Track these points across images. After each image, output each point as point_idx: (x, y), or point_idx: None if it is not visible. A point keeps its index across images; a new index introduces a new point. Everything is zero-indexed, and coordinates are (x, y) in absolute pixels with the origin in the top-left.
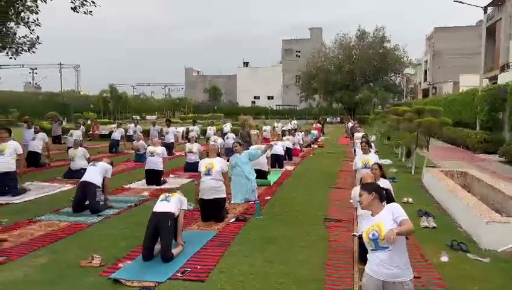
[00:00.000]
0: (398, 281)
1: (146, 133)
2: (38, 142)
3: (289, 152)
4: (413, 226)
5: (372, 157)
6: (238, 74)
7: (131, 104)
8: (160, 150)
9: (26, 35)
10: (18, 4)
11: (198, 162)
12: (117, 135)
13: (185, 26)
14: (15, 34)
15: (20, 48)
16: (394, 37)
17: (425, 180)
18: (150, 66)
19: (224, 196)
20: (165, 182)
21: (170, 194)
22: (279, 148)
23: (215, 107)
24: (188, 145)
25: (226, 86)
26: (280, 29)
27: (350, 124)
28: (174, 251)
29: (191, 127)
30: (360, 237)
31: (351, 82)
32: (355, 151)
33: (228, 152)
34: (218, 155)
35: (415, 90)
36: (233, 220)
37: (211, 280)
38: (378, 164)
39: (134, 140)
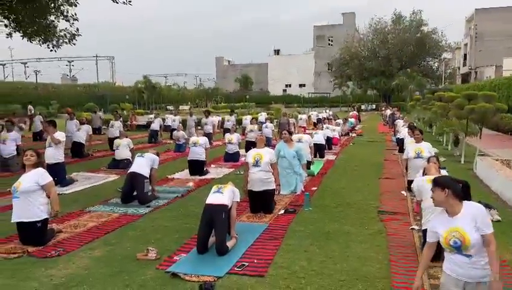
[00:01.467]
0: (481, 282)
1: (183, 123)
2: (82, 133)
3: (329, 141)
4: (496, 244)
5: (425, 147)
6: (269, 62)
7: (165, 95)
8: (203, 140)
9: (66, 28)
10: None
11: (237, 152)
12: (156, 125)
13: (214, 14)
14: (56, 27)
15: (60, 41)
16: (432, 20)
17: (478, 170)
18: (181, 56)
19: (273, 187)
20: (207, 172)
21: (223, 186)
22: (320, 137)
23: (247, 96)
24: (228, 136)
25: (257, 75)
26: (311, 15)
27: (388, 112)
28: (229, 244)
29: (227, 117)
30: (424, 232)
31: (386, 68)
32: (402, 140)
33: (268, 142)
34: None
35: (453, 75)
36: (282, 211)
37: (270, 275)
38: (436, 156)
39: (172, 130)
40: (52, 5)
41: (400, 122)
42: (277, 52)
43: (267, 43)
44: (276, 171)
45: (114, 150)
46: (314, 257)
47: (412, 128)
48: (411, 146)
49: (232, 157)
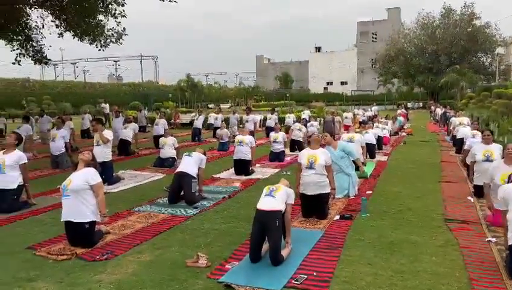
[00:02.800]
0: None
1: (226, 122)
2: (129, 132)
3: (379, 141)
4: None
5: (496, 149)
6: (310, 59)
7: (206, 93)
8: (249, 139)
9: (113, 27)
10: None
11: (283, 151)
12: (199, 123)
13: (254, 12)
14: (104, 26)
15: (108, 40)
16: (485, 14)
17: None
18: (221, 55)
19: (328, 191)
20: (253, 171)
21: (275, 188)
22: (370, 136)
23: (287, 94)
24: (273, 134)
25: (297, 73)
26: (353, 11)
27: (439, 110)
28: (283, 253)
29: (269, 115)
30: (510, 248)
31: (434, 64)
32: (460, 140)
33: None
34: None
35: (507, 71)
36: (337, 217)
37: None
38: None
39: (215, 128)
40: (101, 4)
41: (455, 120)
42: (318, 49)
43: (307, 40)
44: (331, 175)
45: (159, 148)
46: (380, 272)
47: (484, 130)
48: (479, 147)
49: (277, 157)
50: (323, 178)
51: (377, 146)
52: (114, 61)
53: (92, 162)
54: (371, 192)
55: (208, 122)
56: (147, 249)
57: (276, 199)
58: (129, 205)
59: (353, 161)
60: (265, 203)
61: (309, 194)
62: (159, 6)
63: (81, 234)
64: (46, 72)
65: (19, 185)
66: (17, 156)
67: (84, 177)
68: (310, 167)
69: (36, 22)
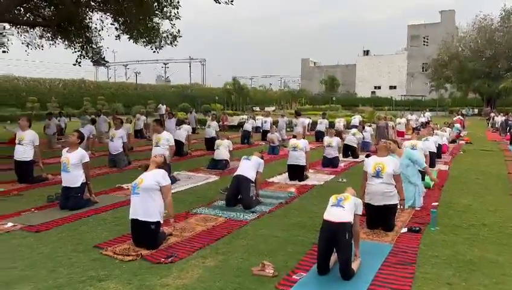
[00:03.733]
0: None
1: (274, 125)
2: (183, 133)
3: (439, 149)
4: None
5: None
6: (358, 63)
7: (252, 96)
8: (303, 144)
9: (168, 29)
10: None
11: (337, 157)
12: (249, 126)
13: (301, 14)
14: (159, 28)
15: (163, 42)
16: None
17: None
18: (267, 58)
19: (395, 202)
20: (307, 177)
21: (343, 197)
22: (431, 144)
23: (333, 98)
24: (327, 139)
25: (344, 76)
26: (400, 13)
27: (500, 118)
28: (353, 266)
29: (319, 120)
30: None
31: (492, 69)
32: None
33: (367, 148)
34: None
35: None
36: (404, 230)
37: None
38: None
39: (264, 131)
40: (157, 6)
41: None
42: (366, 52)
43: (355, 43)
44: (400, 184)
45: (214, 150)
46: None
47: None
48: None
49: (331, 162)
50: (391, 188)
51: (437, 154)
52: (164, 63)
53: (162, 165)
54: (437, 203)
55: (256, 125)
56: (210, 254)
57: (345, 209)
58: (187, 207)
59: (419, 170)
60: (334, 214)
61: (375, 204)
62: (208, 8)
63: (147, 234)
64: (99, 73)
65: (82, 183)
66: (80, 154)
67: (156, 177)
68: (377, 175)
69: (96, 24)
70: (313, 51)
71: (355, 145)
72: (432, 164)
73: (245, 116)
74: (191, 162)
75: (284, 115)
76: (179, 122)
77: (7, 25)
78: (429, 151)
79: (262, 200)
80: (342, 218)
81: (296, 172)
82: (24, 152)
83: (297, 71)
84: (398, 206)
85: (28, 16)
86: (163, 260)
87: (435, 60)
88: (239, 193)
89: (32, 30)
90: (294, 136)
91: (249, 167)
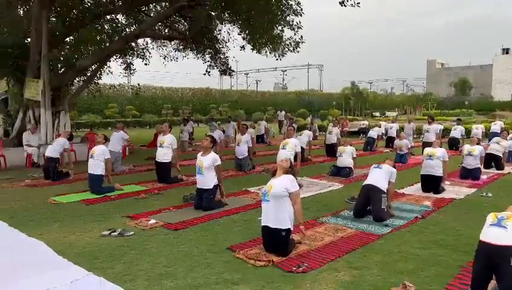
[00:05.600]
0: None
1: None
2: (304, 138)
3: None
4: None
5: None
6: (495, 62)
7: (371, 101)
8: (440, 152)
9: (291, 36)
10: (285, 8)
11: (479, 168)
12: (374, 133)
13: (425, 14)
14: (281, 36)
15: (285, 49)
16: None
17: None
18: (386, 61)
19: None
20: (443, 189)
21: (505, 216)
22: None
23: (465, 102)
24: (468, 147)
25: (477, 78)
26: None
27: None
28: None
29: (454, 126)
30: None
31: None
32: None
33: (511, 157)
34: None
35: None
36: None
37: None
38: None
39: (389, 138)
40: (280, 15)
41: None
42: (505, 51)
43: (489, 42)
44: None
45: (335, 156)
46: None
47: None
48: None
49: (470, 174)
50: None
51: None
52: (282, 70)
53: (290, 170)
54: None
55: (381, 133)
56: (343, 267)
57: (508, 230)
58: (312, 214)
59: None
60: (494, 235)
61: None
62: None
63: (277, 241)
64: (223, 81)
65: (214, 185)
66: (213, 158)
67: (284, 184)
68: None
69: (223, 36)
70: (439, 52)
71: (501, 155)
72: None
73: (365, 122)
74: (312, 168)
75: (411, 121)
76: (300, 128)
77: (149, 40)
78: None
79: (395, 213)
80: (504, 241)
81: (431, 183)
82: (164, 154)
83: (421, 73)
84: None
85: (166, 31)
86: (294, 269)
87: None
88: (368, 204)
89: (169, 44)
90: (427, 144)
91: (380, 176)
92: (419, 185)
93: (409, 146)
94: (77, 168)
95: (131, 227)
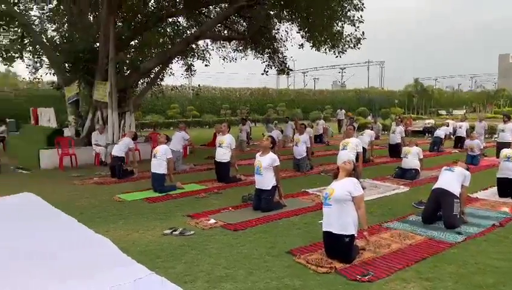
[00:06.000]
0: None
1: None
2: (366, 138)
3: None
4: None
5: None
6: None
7: (437, 98)
8: None
9: (351, 32)
10: (346, 3)
11: None
12: (441, 132)
13: (497, 5)
14: (342, 33)
15: (346, 46)
16: None
17: None
18: (452, 57)
19: None
20: None
21: None
22: None
23: None
24: None
25: None
26: None
27: None
28: None
29: None
30: None
31: None
32: None
33: None
34: None
35: None
36: None
37: None
38: None
39: (458, 138)
40: (341, 11)
41: None
42: None
43: None
44: None
45: (399, 157)
46: None
47: None
48: None
49: None
50: None
51: None
52: (341, 68)
53: (353, 173)
54: None
55: (449, 132)
56: (413, 278)
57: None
58: (377, 219)
59: None
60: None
61: None
62: (386, 7)
63: (340, 247)
64: (279, 81)
65: (273, 186)
66: (272, 158)
67: (347, 187)
68: None
69: (281, 35)
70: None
71: None
72: None
73: (431, 121)
74: (375, 169)
75: (482, 119)
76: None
77: (209, 42)
78: None
79: (468, 220)
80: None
81: (510, 187)
82: (223, 154)
83: (492, 69)
84: None
85: (225, 32)
86: (359, 277)
87: None
88: (439, 209)
89: (228, 45)
90: (503, 144)
91: (452, 179)
92: (494, 189)
93: (481, 147)
94: (141, 166)
95: (191, 226)
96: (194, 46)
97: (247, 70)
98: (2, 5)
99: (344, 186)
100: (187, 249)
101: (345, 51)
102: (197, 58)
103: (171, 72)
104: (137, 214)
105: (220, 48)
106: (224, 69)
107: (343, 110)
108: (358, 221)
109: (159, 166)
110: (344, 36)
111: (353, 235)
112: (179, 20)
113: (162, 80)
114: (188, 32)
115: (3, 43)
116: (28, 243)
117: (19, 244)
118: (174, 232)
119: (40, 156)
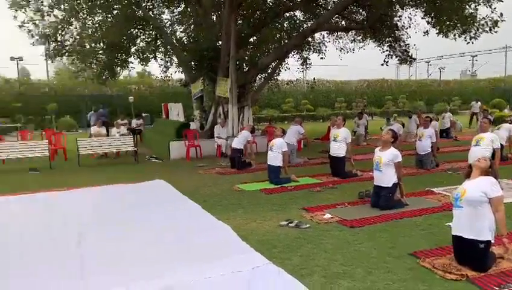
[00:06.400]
0: None
1: None
2: (503, 133)
3: None
4: None
5: None
6: None
7: None
8: None
9: (486, 15)
10: None
11: None
12: None
13: None
14: (475, 16)
15: (479, 30)
16: None
17: None
18: None
19: None
20: None
21: None
22: None
23: None
24: None
25: None
26: None
27: None
28: None
29: None
30: None
31: None
32: None
33: None
34: None
35: None
36: None
37: None
38: None
39: None
40: None
41: None
42: None
43: None
44: None
45: None
46: None
47: None
48: None
49: None
50: None
51: None
52: (471, 56)
53: (489, 171)
54: None
55: None
56: None
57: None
58: None
59: None
60: None
61: None
62: None
63: (473, 254)
64: (399, 72)
65: (393, 183)
66: (393, 154)
67: (482, 187)
68: None
69: (403, 22)
70: None
71: None
72: None
73: None
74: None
75: None
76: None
77: (325, 34)
78: None
79: None
80: None
81: None
82: (338, 148)
83: None
84: None
85: (342, 22)
86: (496, 289)
87: None
88: None
89: (345, 36)
90: None
91: None
92: None
93: None
94: (258, 158)
95: (307, 219)
96: (310, 39)
97: (363, 62)
98: (140, 11)
99: (478, 187)
100: (303, 242)
101: (479, 36)
102: (313, 52)
103: (286, 67)
104: (255, 204)
105: (337, 39)
106: (341, 60)
107: (479, 103)
108: (495, 226)
109: (275, 158)
110: (478, 19)
111: (489, 241)
112: (296, 14)
113: (278, 74)
114: (305, 25)
115: (140, 45)
116: (159, 224)
117: (152, 225)
118: (290, 224)
119: (170, 147)
